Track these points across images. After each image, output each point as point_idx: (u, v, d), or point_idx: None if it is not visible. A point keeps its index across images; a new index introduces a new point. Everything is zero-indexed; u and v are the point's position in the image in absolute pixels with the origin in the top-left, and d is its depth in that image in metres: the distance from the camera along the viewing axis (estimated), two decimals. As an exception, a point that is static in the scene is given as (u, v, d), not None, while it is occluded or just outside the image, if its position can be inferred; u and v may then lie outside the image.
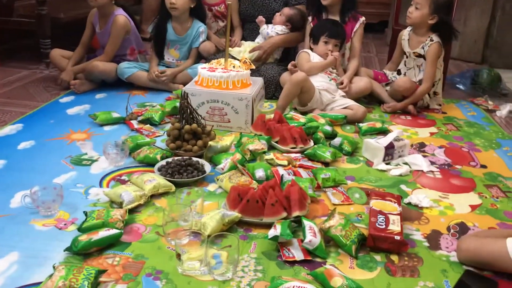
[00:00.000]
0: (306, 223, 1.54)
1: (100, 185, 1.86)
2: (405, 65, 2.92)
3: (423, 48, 2.76)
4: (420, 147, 2.34)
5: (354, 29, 2.93)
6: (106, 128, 2.42)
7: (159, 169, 1.92)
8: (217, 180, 1.89)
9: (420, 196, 1.82)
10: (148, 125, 2.43)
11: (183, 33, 3.07)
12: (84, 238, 1.44)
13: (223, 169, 1.96)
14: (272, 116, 2.42)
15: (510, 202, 1.84)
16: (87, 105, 2.71)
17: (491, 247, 1.37)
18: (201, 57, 3.17)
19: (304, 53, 2.82)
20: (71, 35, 3.28)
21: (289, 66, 2.85)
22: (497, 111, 2.89)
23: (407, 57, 2.88)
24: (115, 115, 2.48)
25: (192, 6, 3.01)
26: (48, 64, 3.36)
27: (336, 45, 2.77)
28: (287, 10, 3.06)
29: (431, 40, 2.73)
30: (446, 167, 2.14)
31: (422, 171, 2.07)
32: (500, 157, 2.26)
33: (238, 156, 2.02)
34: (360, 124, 2.53)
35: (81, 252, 1.43)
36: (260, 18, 3.10)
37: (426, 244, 1.56)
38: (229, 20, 2.52)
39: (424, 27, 2.75)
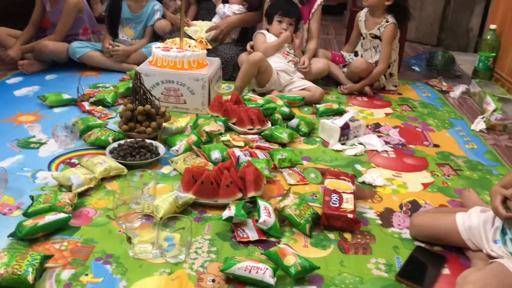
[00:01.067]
0: (261, 203, 1.53)
1: (49, 169, 1.79)
2: (362, 47, 2.93)
3: (379, 29, 2.78)
4: (375, 128, 2.37)
5: (312, 11, 2.91)
6: (56, 110, 2.33)
7: (111, 152, 1.86)
8: (172, 162, 1.85)
9: (374, 175, 1.84)
10: (100, 107, 2.35)
11: (138, 11, 2.98)
12: (29, 223, 1.38)
13: (177, 151, 1.92)
14: (229, 97, 2.39)
15: (460, 180, 1.88)
16: (36, 87, 2.60)
17: (442, 222, 1.40)
18: (157, 37, 3.09)
19: (260, 34, 2.79)
20: (19, 13, 3.12)
21: (248, 47, 2.82)
22: (450, 92, 2.96)
23: (363, 38, 2.90)
24: (66, 96, 2.38)
25: None
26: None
27: (291, 24, 2.74)
28: (243, -12, 3.01)
29: (387, 21, 2.75)
30: (400, 146, 2.17)
31: (376, 151, 2.10)
32: (452, 137, 2.32)
33: (194, 137, 1.98)
34: (318, 106, 2.53)
35: (27, 238, 1.37)
36: None
37: (379, 222, 1.58)
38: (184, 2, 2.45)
39: (380, 8, 2.77)
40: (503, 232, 1.29)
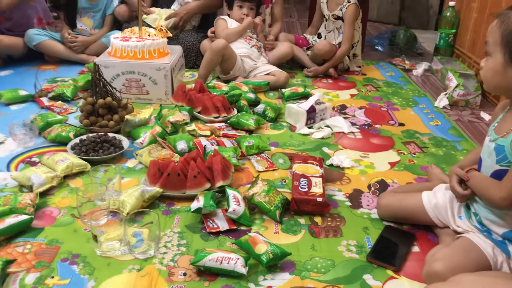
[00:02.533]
0: (230, 192, 1.51)
1: (8, 169, 1.72)
2: (325, 28, 2.92)
3: (341, 10, 2.77)
4: (341, 109, 2.37)
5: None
6: (13, 107, 2.23)
7: (73, 148, 1.80)
8: (136, 155, 1.80)
9: (341, 157, 1.85)
10: (59, 102, 2.27)
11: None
12: (-12, 227, 1.32)
13: (142, 143, 1.88)
14: (193, 85, 2.34)
15: (426, 157, 1.91)
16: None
17: (409, 201, 1.42)
18: (117, 26, 3.01)
19: (221, 20, 2.74)
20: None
21: (209, 33, 2.77)
22: (413, 70, 2.99)
23: (326, 20, 2.89)
24: (23, 92, 2.29)
25: None
26: None
27: (252, 8, 2.71)
28: (202, -26, 2.94)
29: (348, 2, 2.75)
30: (366, 127, 2.18)
31: (343, 132, 2.10)
32: (417, 115, 2.35)
33: (158, 129, 1.94)
34: (283, 90, 2.52)
35: (-14, 243, 1.31)
36: None
37: (348, 203, 1.59)
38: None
39: None
40: (467, 208, 1.31)
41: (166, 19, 2.88)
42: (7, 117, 2.11)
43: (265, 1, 2.83)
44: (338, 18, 2.80)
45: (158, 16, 2.90)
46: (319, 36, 2.96)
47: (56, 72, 2.72)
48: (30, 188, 1.56)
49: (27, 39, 2.76)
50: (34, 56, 2.80)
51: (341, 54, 2.79)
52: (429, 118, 2.31)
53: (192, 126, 2.01)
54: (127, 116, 2.01)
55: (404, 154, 1.94)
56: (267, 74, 2.64)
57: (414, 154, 1.94)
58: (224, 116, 2.17)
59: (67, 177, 1.66)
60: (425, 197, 1.38)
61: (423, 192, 1.40)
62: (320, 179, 1.58)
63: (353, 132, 2.11)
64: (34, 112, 2.18)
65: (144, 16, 2.82)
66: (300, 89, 2.51)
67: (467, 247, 1.16)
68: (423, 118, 2.31)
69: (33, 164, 1.75)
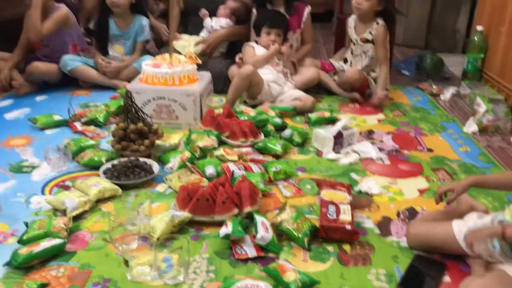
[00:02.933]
0: (258, 218, 1.52)
1: (42, 193, 1.77)
2: (352, 53, 2.94)
3: (370, 33, 2.79)
4: (369, 135, 2.37)
5: (303, 19, 2.93)
6: (48, 132, 2.31)
7: (105, 172, 1.85)
8: (166, 180, 1.84)
9: (369, 183, 1.84)
10: (92, 127, 2.34)
11: (126, 27, 3.00)
12: (24, 251, 1.36)
13: (172, 168, 1.91)
14: (221, 110, 2.38)
15: (455, 184, 1.88)
16: (27, 109, 2.58)
17: (439, 231, 1.40)
18: (147, 52, 3.10)
19: (249, 47, 2.79)
20: (6, 35, 3.10)
21: (237, 59, 2.82)
22: (441, 94, 2.97)
23: (354, 44, 2.90)
24: (57, 117, 2.37)
25: (133, 1, 2.94)
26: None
27: (279, 35, 2.75)
28: (231, 3, 3.02)
29: (377, 23, 2.76)
30: (394, 153, 2.17)
31: (371, 158, 2.10)
32: (445, 140, 2.32)
33: (187, 154, 1.97)
34: (310, 115, 2.53)
35: (22, 266, 1.35)
36: (204, 11, 3.04)
37: (377, 231, 1.57)
38: (172, 14, 2.44)
39: (371, 13, 2.78)
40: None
41: (195, 45, 2.95)
42: (42, 142, 2.18)
43: (292, 27, 2.87)
44: (367, 41, 2.81)
45: (188, 43, 2.97)
46: (345, 61, 2.97)
47: (89, 97, 2.81)
48: (64, 212, 1.60)
49: (62, 64, 2.86)
50: (68, 82, 2.89)
51: (386, 72, 2.79)
52: (458, 144, 2.28)
53: (220, 151, 2.04)
54: (157, 141, 2.05)
55: (433, 181, 1.92)
56: (294, 99, 2.66)
57: (444, 181, 1.92)
58: (251, 141, 2.19)
59: (99, 201, 1.70)
60: (455, 227, 1.36)
61: (453, 221, 1.38)
62: (349, 206, 1.58)
63: (381, 158, 2.10)
64: (67, 136, 2.25)
65: (175, 42, 2.90)
66: (327, 114, 2.52)
67: (502, 280, 1.14)
68: (452, 144, 2.28)
69: (67, 188, 1.80)
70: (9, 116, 2.50)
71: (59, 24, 2.89)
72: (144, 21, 3.01)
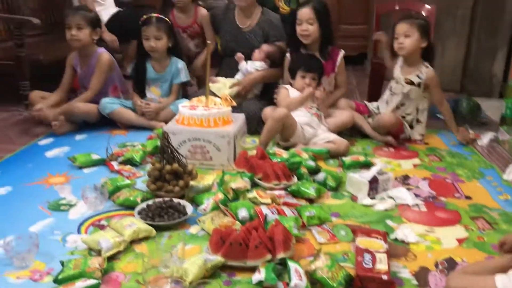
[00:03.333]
0: (291, 265, 1.50)
1: (78, 232, 1.80)
2: (391, 90, 2.92)
3: (418, 76, 2.77)
4: (404, 180, 2.33)
5: (337, 64, 2.95)
6: (86, 170, 2.36)
7: (140, 212, 1.87)
8: (199, 222, 1.84)
9: (406, 231, 1.79)
10: (128, 166, 2.38)
11: (163, 70, 3.08)
12: (60, 290, 1.37)
13: (205, 210, 1.92)
14: (254, 152, 2.40)
15: (496, 234, 1.82)
16: (67, 147, 2.66)
17: (480, 285, 1.34)
18: (184, 94, 3.18)
19: (283, 89, 2.83)
20: (51, 76, 3.25)
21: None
22: (478, 140, 2.91)
23: (396, 82, 2.88)
24: (95, 156, 2.43)
25: (170, 45, 3.04)
26: (27, 106, 3.30)
27: (314, 78, 2.76)
28: (266, 47, 3.08)
29: (426, 67, 2.76)
30: (431, 199, 2.12)
31: (407, 204, 2.05)
32: (484, 187, 2.26)
33: (221, 195, 1.98)
34: (344, 158, 2.52)
35: (57, 306, 1.36)
36: (239, 55, 3.12)
37: (415, 282, 1.52)
38: (208, 59, 2.51)
39: (417, 53, 2.79)
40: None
41: (230, 87, 3.01)
42: (80, 180, 2.24)
43: (326, 72, 2.90)
44: (411, 83, 2.80)
45: (223, 85, 3.03)
46: (381, 100, 2.94)
47: (126, 137, 2.88)
48: (99, 252, 1.62)
49: (101, 107, 2.94)
50: (107, 121, 2.97)
51: (448, 109, 2.86)
52: (498, 191, 2.22)
53: (253, 194, 2.04)
54: (191, 182, 2.07)
55: (472, 230, 1.86)
56: (327, 142, 2.66)
57: (483, 230, 1.85)
58: (284, 184, 2.18)
59: (133, 242, 1.71)
60: (499, 282, 1.30)
61: (496, 276, 1.32)
62: (385, 254, 1.54)
63: (417, 205, 2.06)
64: (104, 175, 2.29)
65: (211, 84, 2.96)
66: (361, 158, 2.50)
67: None
68: (491, 191, 2.22)
69: (102, 227, 1.82)
70: (49, 154, 2.58)
71: (106, 73, 3.01)
72: (180, 64, 3.08)
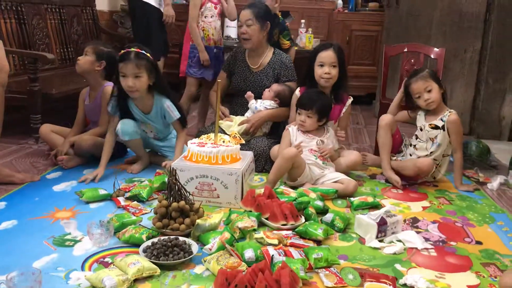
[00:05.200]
0: (298, 309, 1.46)
1: (82, 268, 1.77)
2: (417, 138, 2.89)
3: (441, 119, 2.76)
4: (413, 223, 2.29)
5: (344, 109, 2.95)
6: (92, 205, 2.35)
7: (144, 250, 1.84)
8: (205, 261, 1.81)
9: (415, 277, 1.75)
10: (135, 202, 2.37)
11: (149, 109, 2.84)
12: (60, 330, 1.34)
13: (211, 249, 1.89)
14: (262, 190, 2.38)
15: (509, 282, 1.77)
16: (74, 181, 2.65)
17: None
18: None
19: (286, 131, 2.78)
20: (62, 109, 3.29)
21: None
22: (488, 183, 2.88)
23: (421, 130, 2.87)
24: (102, 192, 2.42)
25: (151, 83, 2.75)
26: (37, 139, 3.34)
27: (309, 116, 2.70)
28: (275, 86, 3.11)
29: (449, 112, 2.76)
30: (440, 243, 2.08)
31: (416, 248, 2.01)
32: (495, 233, 2.22)
33: (227, 235, 1.95)
34: (352, 199, 2.50)
35: None
36: (249, 93, 3.14)
37: (425, 331, 1.48)
38: (218, 97, 2.54)
39: (440, 101, 2.79)
40: None
41: (239, 124, 3.02)
42: (86, 215, 2.23)
43: (333, 116, 2.89)
44: (436, 127, 2.78)
45: (233, 123, 3.05)
46: (413, 146, 2.92)
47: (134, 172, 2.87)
48: (102, 290, 1.59)
49: (121, 131, 2.75)
50: (115, 156, 2.98)
51: (460, 160, 2.80)
52: (509, 237, 2.17)
53: (260, 234, 2.01)
54: (198, 221, 2.05)
55: (483, 277, 1.81)
56: (335, 181, 2.64)
57: (495, 278, 1.81)
58: (291, 224, 2.16)
59: (137, 280, 1.68)
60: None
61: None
62: (394, 301, 1.50)
63: (427, 249, 2.02)
64: (111, 211, 2.28)
65: (220, 121, 2.97)
66: (370, 199, 2.47)
67: None
68: (502, 237, 2.18)
69: (106, 265, 1.80)
70: (57, 188, 2.57)
71: None
72: (166, 102, 2.81)
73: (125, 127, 2.77)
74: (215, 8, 3.53)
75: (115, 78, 2.78)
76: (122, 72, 2.67)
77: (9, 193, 2.47)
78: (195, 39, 3.51)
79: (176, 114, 2.84)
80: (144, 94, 2.77)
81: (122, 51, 2.71)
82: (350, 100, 2.96)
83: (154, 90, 2.81)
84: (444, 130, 2.76)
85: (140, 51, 2.70)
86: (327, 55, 2.82)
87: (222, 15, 3.67)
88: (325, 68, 2.81)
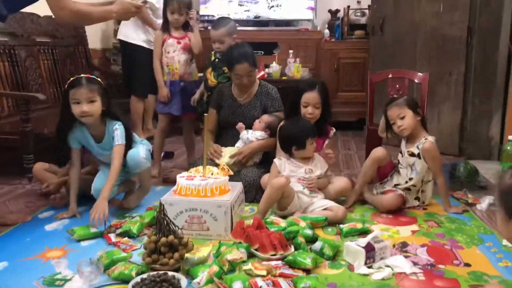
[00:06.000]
0: None
1: (71, 308, 1.78)
2: (399, 163, 2.94)
3: (417, 147, 2.81)
4: (402, 247, 2.31)
5: (327, 142, 3.01)
6: (84, 243, 2.37)
7: (134, 287, 1.86)
8: (193, 296, 1.82)
9: (403, 302, 1.76)
10: (126, 238, 2.38)
11: (102, 136, 2.75)
12: None
13: (199, 283, 1.90)
14: (251, 222, 2.41)
15: (496, 304, 1.78)
16: (66, 220, 2.67)
17: None
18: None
19: (274, 163, 2.81)
20: (54, 148, 3.32)
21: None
22: (477, 204, 2.90)
23: (402, 155, 2.91)
24: (93, 229, 2.44)
25: (104, 109, 2.69)
26: (31, 179, 3.37)
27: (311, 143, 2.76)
28: (266, 117, 3.16)
29: (425, 139, 2.80)
30: (429, 267, 2.10)
31: (405, 273, 2.03)
32: (484, 254, 2.23)
33: (215, 268, 1.97)
34: (341, 226, 2.51)
35: None
36: (240, 124, 3.19)
37: None
38: (206, 131, 2.58)
39: (417, 128, 2.83)
40: None
41: (231, 157, 3.05)
42: (77, 253, 2.24)
43: (318, 148, 2.92)
44: (413, 155, 2.83)
45: (223, 153, 3.09)
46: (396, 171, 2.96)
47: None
48: (90, 329, 1.60)
49: (134, 161, 2.74)
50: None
51: (443, 185, 2.82)
52: (497, 258, 2.19)
53: (249, 265, 2.02)
54: (187, 255, 2.07)
55: (471, 299, 1.82)
56: (325, 209, 2.66)
57: (483, 299, 1.82)
58: (281, 254, 2.17)
59: (125, 317, 1.69)
60: None
61: None
62: (379, 328, 1.51)
63: (415, 273, 2.03)
64: (102, 248, 2.30)
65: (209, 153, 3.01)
66: (359, 225, 2.49)
67: None
68: (491, 258, 2.19)
69: (96, 303, 1.81)
70: (48, 227, 2.59)
71: None
72: (115, 125, 2.70)
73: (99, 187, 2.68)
74: (178, 43, 3.51)
75: (64, 109, 2.70)
76: (75, 99, 2.58)
77: (1, 235, 2.48)
78: (156, 75, 3.55)
79: (120, 139, 2.69)
80: (97, 121, 2.69)
81: (72, 78, 2.66)
82: (333, 131, 3.03)
83: (107, 117, 2.73)
84: (420, 158, 2.80)
85: (91, 76, 2.68)
86: (311, 97, 2.90)
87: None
88: (309, 109, 2.91)
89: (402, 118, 2.80)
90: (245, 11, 5.50)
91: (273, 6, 5.45)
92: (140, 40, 4.19)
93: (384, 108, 2.94)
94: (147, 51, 4.11)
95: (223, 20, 3.48)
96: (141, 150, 2.80)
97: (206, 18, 5.49)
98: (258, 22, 5.53)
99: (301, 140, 2.75)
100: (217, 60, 3.46)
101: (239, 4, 5.50)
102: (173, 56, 3.51)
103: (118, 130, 2.69)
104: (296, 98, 2.95)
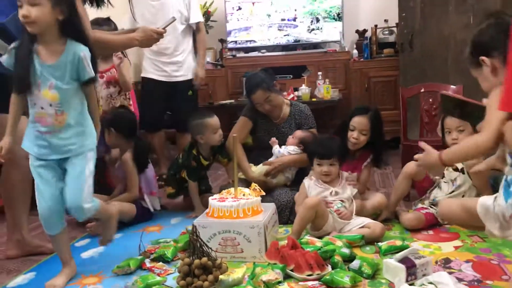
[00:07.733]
0: None
1: (107, 333, 1.77)
2: (443, 177, 2.83)
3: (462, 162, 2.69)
4: (445, 263, 2.20)
5: (364, 164, 2.96)
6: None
7: (168, 310, 1.83)
8: (228, 318, 1.78)
9: (449, 319, 1.66)
10: (160, 263, 2.37)
11: (54, 58, 2.00)
12: None
13: (234, 304, 1.86)
14: (286, 242, 2.35)
15: (551, 319, 1.66)
16: (101, 247, 2.68)
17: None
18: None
19: (302, 185, 2.75)
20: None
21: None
22: (524, 216, 2.75)
23: (447, 169, 2.79)
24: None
25: (60, 18, 1.98)
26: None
27: (332, 164, 2.66)
28: (299, 133, 3.15)
29: None
30: (475, 283, 1.98)
31: (449, 290, 1.92)
32: (534, 267, 2.11)
33: (250, 289, 1.92)
34: (380, 243, 2.43)
35: None
36: (273, 139, 3.19)
37: None
38: (236, 152, 2.58)
39: None
40: None
41: (265, 175, 3.03)
42: (112, 279, 2.24)
43: (356, 169, 2.88)
44: (456, 169, 2.73)
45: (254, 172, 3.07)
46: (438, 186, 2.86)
47: (160, 233, 2.90)
48: None
49: (77, 212, 2.24)
50: (139, 220, 3.01)
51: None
52: (549, 271, 2.05)
53: (285, 285, 1.97)
54: (221, 277, 2.04)
55: (524, 314, 1.70)
56: (361, 227, 2.58)
57: (537, 314, 1.70)
58: (317, 274, 2.11)
59: None
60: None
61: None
62: None
63: (460, 290, 1.93)
64: (136, 274, 2.28)
65: (240, 174, 3.00)
66: (398, 242, 2.40)
67: None
68: (542, 271, 2.06)
69: (130, 327, 1.78)
70: (84, 255, 2.61)
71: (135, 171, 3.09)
72: (83, 51, 2.02)
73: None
74: (101, 77, 3.34)
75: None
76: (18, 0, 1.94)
77: (39, 263, 2.52)
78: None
79: (90, 71, 2.05)
80: (50, 33, 1.99)
81: None
82: (371, 156, 2.97)
83: (68, 33, 2.03)
84: (463, 173, 2.70)
85: None
86: (359, 121, 2.87)
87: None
88: (354, 133, 2.86)
89: (461, 131, 2.68)
90: (284, 35, 5.55)
91: (313, 29, 5.48)
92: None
93: (443, 116, 2.82)
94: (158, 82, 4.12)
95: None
96: (84, 192, 2.15)
97: (249, 44, 5.61)
98: (285, 46, 5.57)
99: (322, 150, 2.67)
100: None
101: (278, 29, 5.57)
102: (98, 92, 3.23)
103: (87, 58, 2.03)
104: (347, 120, 2.93)
